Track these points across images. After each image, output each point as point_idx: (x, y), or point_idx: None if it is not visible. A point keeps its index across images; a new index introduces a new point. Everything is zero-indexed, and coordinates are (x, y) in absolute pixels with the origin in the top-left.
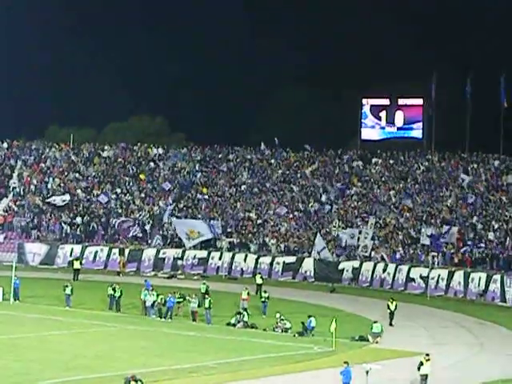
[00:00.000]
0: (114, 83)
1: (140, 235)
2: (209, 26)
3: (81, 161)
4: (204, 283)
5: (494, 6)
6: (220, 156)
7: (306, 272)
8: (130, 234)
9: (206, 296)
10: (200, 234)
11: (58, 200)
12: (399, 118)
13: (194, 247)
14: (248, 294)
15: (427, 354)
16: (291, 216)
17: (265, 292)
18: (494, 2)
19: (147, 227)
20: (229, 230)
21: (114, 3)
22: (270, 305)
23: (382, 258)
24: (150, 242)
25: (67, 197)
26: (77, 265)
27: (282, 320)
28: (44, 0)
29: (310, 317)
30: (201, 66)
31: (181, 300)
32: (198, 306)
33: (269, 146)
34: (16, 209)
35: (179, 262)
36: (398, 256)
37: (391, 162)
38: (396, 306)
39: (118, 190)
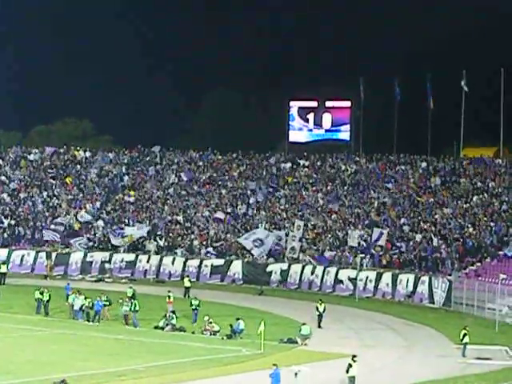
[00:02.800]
0: (39, 86)
1: (57, 239)
2: (137, 27)
3: (7, 164)
4: (131, 287)
5: (419, 9)
6: (148, 159)
7: (234, 275)
8: (47, 238)
9: (133, 300)
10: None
11: None
12: (327, 120)
13: (124, 250)
14: (170, 297)
15: (354, 356)
16: (219, 218)
17: (195, 299)
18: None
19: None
20: (158, 232)
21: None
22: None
23: (311, 260)
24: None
25: None
26: (3, 268)
27: (211, 323)
28: None
29: (238, 319)
30: (127, 68)
31: (107, 303)
32: (129, 309)
33: (196, 149)
34: None
35: (107, 266)
36: (326, 257)
37: (319, 164)
38: (324, 308)
39: (45, 194)
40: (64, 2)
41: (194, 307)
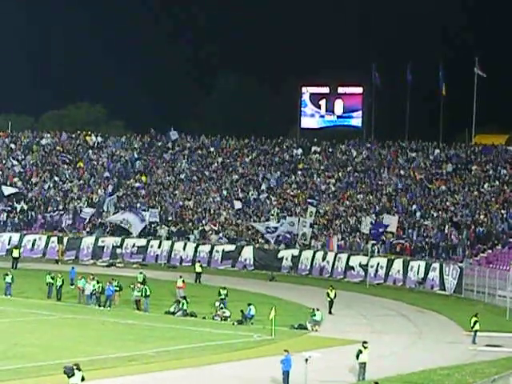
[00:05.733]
0: (51, 71)
1: (70, 222)
2: (146, 15)
3: (19, 148)
4: (141, 272)
5: None
6: (159, 144)
7: (245, 260)
8: (64, 224)
9: (143, 285)
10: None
11: (5, 191)
12: (339, 106)
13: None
14: (183, 281)
15: (365, 342)
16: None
17: (223, 289)
18: None
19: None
20: (169, 218)
21: None
22: (209, 293)
23: (323, 246)
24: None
25: (13, 189)
26: (16, 253)
27: (222, 308)
28: None
29: (249, 305)
30: (138, 54)
31: (117, 289)
32: (140, 294)
33: (209, 135)
34: None
35: (118, 251)
36: (337, 244)
37: (330, 150)
38: (335, 294)
39: (57, 179)
40: None
41: (222, 297)
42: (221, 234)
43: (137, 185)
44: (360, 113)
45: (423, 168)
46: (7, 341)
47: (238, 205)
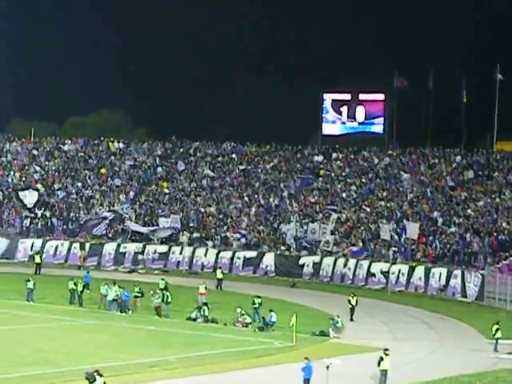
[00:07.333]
0: (74, 77)
1: (104, 233)
2: (172, 21)
3: (42, 155)
4: (162, 279)
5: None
6: (181, 150)
7: (266, 267)
8: (95, 232)
9: (165, 291)
10: None
11: (27, 197)
12: (360, 112)
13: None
14: (206, 288)
15: (386, 349)
16: (252, 211)
17: (258, 297)
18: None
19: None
20: (190, 224)
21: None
22: (230, 300)
23: (344, 255)
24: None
25: (33, 198)
26: (38, 259)
27: (243, 315)
28: None
29: (270, 311)
30: (161, 61)
31: (139, 295)
32: (162, 300)
33: (231, 141)
34: None
35: (140, 257)
36: (356, 250)
37: (352, 157)
38: (357, 301)
39: (79, 185)
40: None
41: (256, 305)
42: (243, 240)
43: (165, 190)
44: (381, 119)
45: (445, 175)
46: (30, 346)
47: (260, 211)
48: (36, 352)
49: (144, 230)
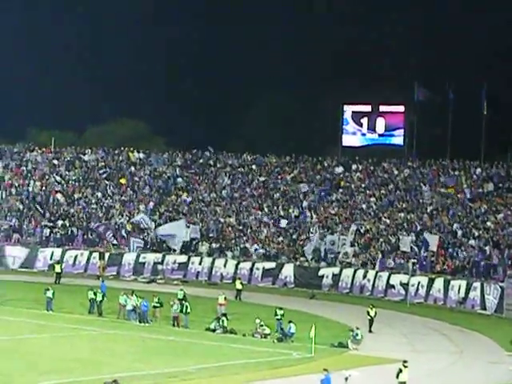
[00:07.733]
0: (95, 86)
1: (113, 240)
2: (192, 31)
3: (62, 164)
4: (181, 289)
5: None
6: (201, 161)
7: (285, 278)
8: (107, 238)
9: (183, 302)
10: None
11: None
12: (380, 124)
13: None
14: (225, 298)
15: (405, 361)
16: (272, 222)
17: (280, 309)
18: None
19: (123, 232)
20: (210, 234)
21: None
22: (249, 311)
23: (364, 264)
24: (128, 246)
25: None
26: (58, 268)
27: (262, 326)
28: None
29: (289, 323)
30: (182, 71)
31: (158, 305)
32: (180, 311)
33: (250, 151)
34: None
35: (159, 267)
36: (378, 263)
37: (372, 168)
38: (376, 312)
39: (99, 194)
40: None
41: (278, 317)
42: (261, 250)
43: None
44: (402, 131)
45: (465, 187)
46: (49, 356)
47: (283, 223)
48: (54, 361)
49: (151, 224)
